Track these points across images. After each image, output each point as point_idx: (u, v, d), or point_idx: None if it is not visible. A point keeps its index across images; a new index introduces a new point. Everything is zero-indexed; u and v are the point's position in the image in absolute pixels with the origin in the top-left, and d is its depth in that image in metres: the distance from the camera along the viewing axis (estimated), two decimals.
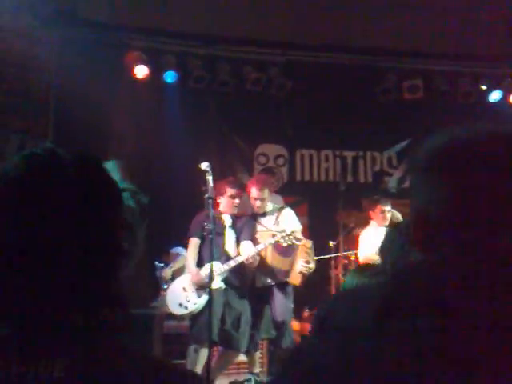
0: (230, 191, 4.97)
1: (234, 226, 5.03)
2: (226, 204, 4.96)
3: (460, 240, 0.89)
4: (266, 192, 5.16)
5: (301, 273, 5.15)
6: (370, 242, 6.10)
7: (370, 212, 6.27)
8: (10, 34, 5.81)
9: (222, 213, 4.99)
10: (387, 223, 5.96)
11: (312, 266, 5.25)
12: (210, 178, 4.44)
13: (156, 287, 6.09)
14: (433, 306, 0.85)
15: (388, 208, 6.04)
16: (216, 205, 4.95)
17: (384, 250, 2.07)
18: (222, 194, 4.96)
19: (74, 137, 6.15)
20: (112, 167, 1.93)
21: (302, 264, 5.12)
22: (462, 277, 0.87)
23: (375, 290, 0.99)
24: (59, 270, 1.03)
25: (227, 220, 5.03)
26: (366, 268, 5.23)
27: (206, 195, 4.46)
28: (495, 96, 7.38)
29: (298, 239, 4.81)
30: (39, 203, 1.05)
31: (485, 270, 0.87)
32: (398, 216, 6.10)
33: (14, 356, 0.97)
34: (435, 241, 0.92)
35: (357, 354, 0.87)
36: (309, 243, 5.32)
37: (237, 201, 4.98)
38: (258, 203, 5.14)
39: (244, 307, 4.86)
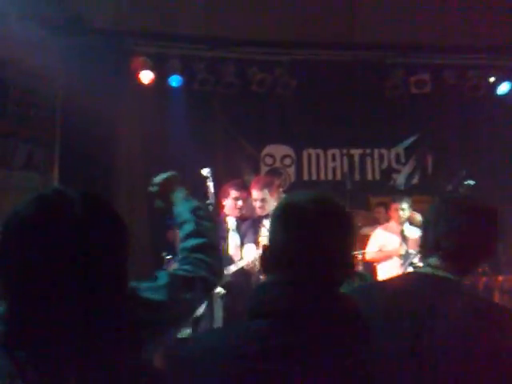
0: (233, 193, 5.00)
1: (238, 229, 5.03)
2: (229, 206, 4.99)
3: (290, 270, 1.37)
4: (266, 193, 5.14)
5: None
6: (378, 242, 6.11)
7: (388, 211, 6.28)
8: (17, 42, 5.88)
9: (226, 215, 5.01)
10: (404, 221, 5.93)
11: None
12: (210, 184, 4.46)
13: None
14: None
15: (404, 205, 5.98)
16: (221, 207, 4.97)
17: (428, 224, 1.93)
18: (226, 197, 4.98)
19: (81, 144, 6.22)
20: (182, 195, 1.93)
21: None
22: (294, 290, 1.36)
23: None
24: (64, 306, 1.11)
25: (231, 223, 5.05)
26: None
27: (207, 201, 4.49)
28: (504, 88, 7.28)
29: None
30: (48, 241, 1.12)
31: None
32: (418, 217, 6.04)
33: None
34: (276, 268, 1.40)
35: None
36: None
37: (240, 203, 4.98)
38: (258, 204, 5.13)
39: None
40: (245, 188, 5.24)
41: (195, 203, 1.87)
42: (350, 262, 1.46)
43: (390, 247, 5.98)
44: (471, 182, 5.33)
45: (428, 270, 1.85)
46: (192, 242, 1.73)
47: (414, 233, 5.91)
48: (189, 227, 1.77)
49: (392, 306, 1.76)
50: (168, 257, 6.04)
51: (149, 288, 1.51)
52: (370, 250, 6.10)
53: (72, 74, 6.10)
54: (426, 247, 1.90)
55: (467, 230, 1.80)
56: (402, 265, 5.77)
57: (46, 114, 6.34)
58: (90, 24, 6.41)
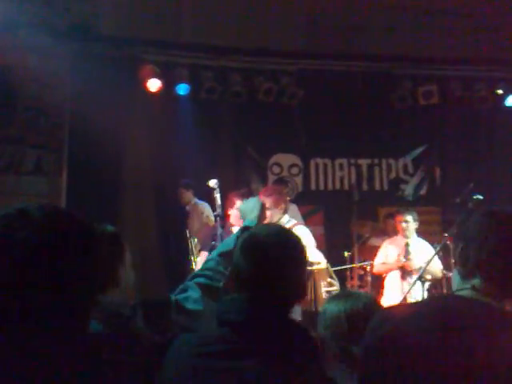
0: (238, 203, 4.95)
1: None
2: (234, 216, 4.94)
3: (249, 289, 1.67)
4: (270, 201, 5.09)
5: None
6: (382, 254, 6.06)
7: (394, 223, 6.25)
8: (26, 49, 5.93)
9: (231, 225, 4.97)
10: (408, 234, 5.85)
11: (336, 286, 4.99)
12: (218, 195, 4.42)
13: None
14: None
15: (408, 217, 5.87)
16: (227, 217, 4.93)
17: (469, 241, 1.69)
18: (231, 206, 4.94)
19: (89, 150, 6.25)
20: (256, 205, 2.38)
21: (325, 289, 4.82)
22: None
23: None
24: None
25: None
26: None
27: (215, 213, 4.45)
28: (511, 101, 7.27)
29: (310, 264, 4.64)
30: (8, 255, 1.15)
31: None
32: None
33: None
34: (240, 288, 1.69)
35: None
36: (323, 266, 5.09)
37: None
38: (266, 212, 5.08)
39: None
40: (251, 198, 5.17)
41: (253, 224, 2.29)
42: (301, 287, 1.76)
43: (391, 260, 5.92)
44: (480, 197, 5.26)
45: (471, 293, 1.62)
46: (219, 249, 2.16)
47: (421, 246, 5.86)
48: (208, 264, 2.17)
49: (436, 340, 1.49)
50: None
51: (188, 299, 1.95)
52: (376, 263, 6.06)
53: (80, 81, 6.14)
54: (468, 267, 1.66)
55: None
56: (403, 278, 5.73)
57: (55, 120, 6.38)
58: (99, 32, 6.47)
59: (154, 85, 6.59)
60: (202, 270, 2.14)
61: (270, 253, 1.68)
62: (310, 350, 1.64)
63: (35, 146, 6.29)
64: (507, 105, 7.28)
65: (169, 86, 6.70)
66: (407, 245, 5.84)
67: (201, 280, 2.05)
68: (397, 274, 5.81)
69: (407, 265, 5.71)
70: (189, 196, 6.70)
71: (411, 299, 5.35)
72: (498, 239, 1.60)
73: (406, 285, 5.62)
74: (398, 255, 5.83)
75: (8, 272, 1.14)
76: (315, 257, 4.80)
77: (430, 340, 1.48)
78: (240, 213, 2.22)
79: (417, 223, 5.91)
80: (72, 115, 6.42)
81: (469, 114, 7.49)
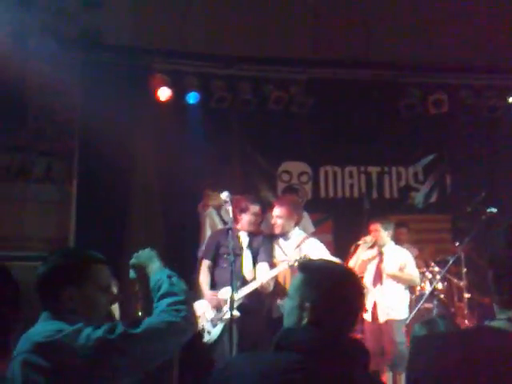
0: (253, 208, 4.90)
1: (250, 246, 4.94)
2: (247, 221, 4.88)
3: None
4: (284, 211, 5.09)
5: None
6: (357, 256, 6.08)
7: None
8: (36, 57, 5.96)
9: (239, 230, 4.91)
10: (381, 242, 5.83)
11: None
12: (229, 208, 4.37)
13: None
14: None
15: (378, 227, 5.81)
16: (235, 221, 4.84)
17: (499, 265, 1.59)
18: (244, 211, 4.89)
19: (99, 158, 6.26)
20: (151, 255, 2.25)
21: None
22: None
23: None
24: None
25: (244, 238, 4.94)
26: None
27: (227, 226, 4.42)
28: None
29: None
30: None
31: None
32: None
33: None
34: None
35: None
36: None
37: (251, 216, 4.89)
38: (278, 221, 5.07)
39: (260, 332, 4.68)
40: (259, 203, 5.14)
41: (168, 271, 2.16)
42: (359, 313, 1.95)
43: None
44: (493, 210, 5.23)
45: (507, 325, 1.50)
46: (167, 300, 2.00)
47: (398, 253, 5.85)
48: (164, 288, 2.06)
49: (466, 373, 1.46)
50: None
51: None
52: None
53: (90, 89, 6.16)
54: (504, 296, 1.53)
55: None
56: (374, 284, 5.78)
57: (65, 127, 6.40)
58: (108, 41, 6.50)
59: (163, 94, 6.60)
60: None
61: (343, 284, 1.81)
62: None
63: (45, 154, 6.31)
64: None
65: (179, 95, 6.70)
66: (381, 253, 5.83)
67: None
68: (370, 278, 5.83)
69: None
70: (214, 197, 6.60)
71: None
72: None
73: (377, 291, 5.72)
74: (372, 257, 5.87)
75: None
76: None
77: (460, 373, 1.45)
78: (137, 265, 2.23)
79: (389, 232, 5.87)
80: (82, 123, 6.44)
81: (479, 123, 7.46)
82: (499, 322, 1.53)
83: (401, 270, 5.74)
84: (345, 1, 6.77)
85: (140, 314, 2.85)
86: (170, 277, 2.09)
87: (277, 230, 5.15)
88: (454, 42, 6.92)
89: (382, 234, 5.82)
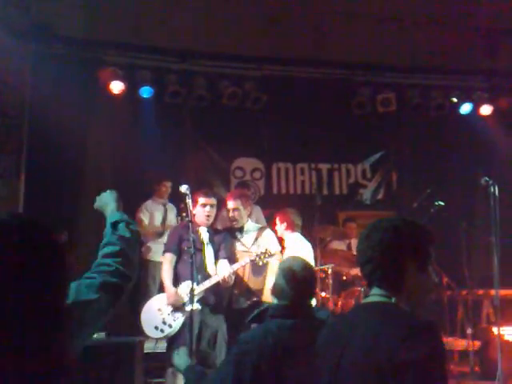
0: (200, 200, 4.88)
1: (211, 241, 4.96)
2: (198, 214, 4.89)
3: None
4: (240, 203, 5.14)
5: None
6: None
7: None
8: None
9: (198, 225, 4.91)
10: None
11: None
12: (189, 201, 4.37)
13: None
14: None
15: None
16: (192, 217, 4.85)
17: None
18: (194, 205, 4.89)
19: (49, 153, 6.11)
20: (109, 197, 2.13)
21: None
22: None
23: None
24: None
25: (204, 234, 4.94)
26: None
27: (187, 219, 4.42)
28: (466, 108, 7.53)
29: (271, 255, 4.76)
30: None
31: None
32: None
33: None
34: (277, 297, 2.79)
35: None
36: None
37: (207, 209, 4.86)
38: (232, 214, 5.13)
39: (219, 323, 4.75)
40: (212, 195, 5.14)
41: (117, 217, 1.99)
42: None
43: None
44: (441, 203, 5.45)
45: None
46: (106, 249, 1.87)
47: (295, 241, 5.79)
48: (107, 237, 1.92)
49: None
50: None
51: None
52: None
53: (41, 82, 6.01)
54: None
55: None
56: None
57: (13, 121, 6.20)
58: (60, 32, 6.34)
59: (116, 87, 6.51)
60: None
61: (301, 278, 2.74)
62: None
63: None
64: (462, 112, 7.55)
65: (132, 88, 6.62)
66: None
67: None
68: None
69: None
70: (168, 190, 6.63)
71: None
72: None
73: None
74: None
75: None
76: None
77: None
78: (98, 209, 2.15)
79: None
80: (31, 116, 6.26)
81: (425, 121, 7.71)
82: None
83: None
84: (299, 1, 6.85)
85: None
86: (115, 223, 1.96)
87: (235, 223, 5.19)
88: (401, 43, 7.13)
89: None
